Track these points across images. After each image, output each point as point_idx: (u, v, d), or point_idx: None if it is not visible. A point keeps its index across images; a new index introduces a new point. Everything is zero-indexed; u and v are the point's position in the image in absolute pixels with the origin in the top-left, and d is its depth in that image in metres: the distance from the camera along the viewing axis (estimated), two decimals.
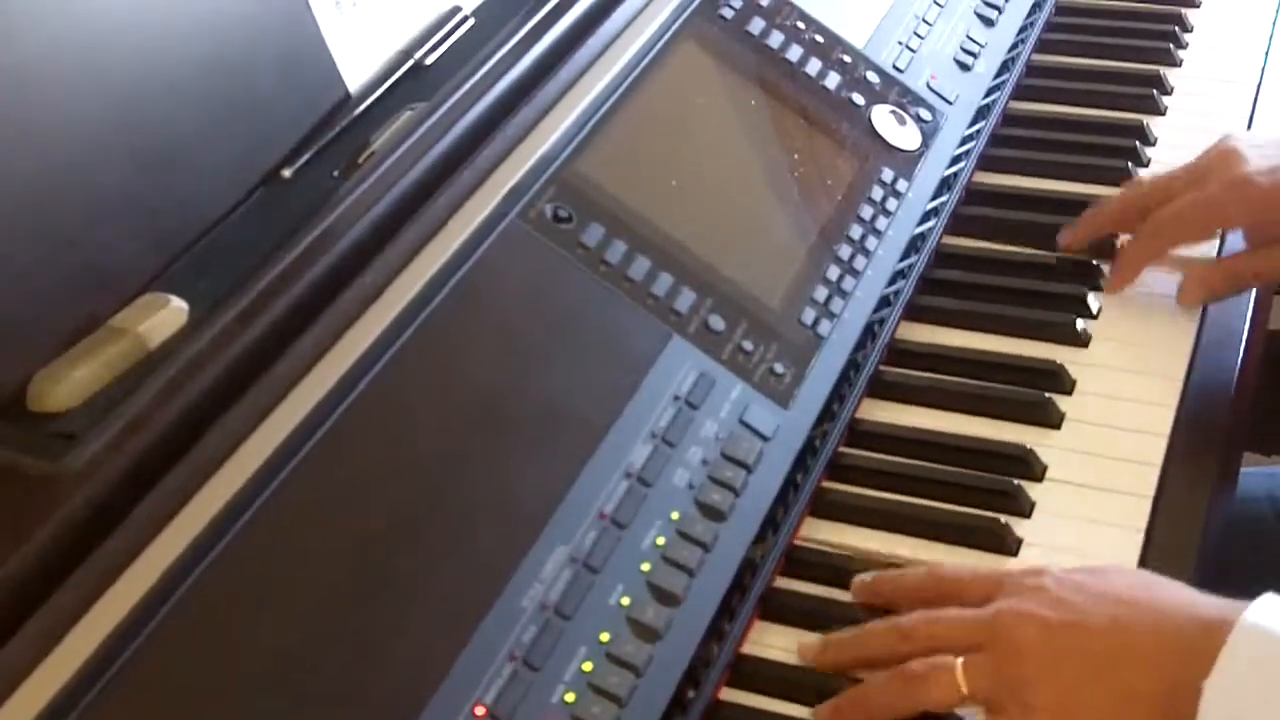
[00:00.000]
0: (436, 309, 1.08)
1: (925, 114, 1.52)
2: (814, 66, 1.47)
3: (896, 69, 1.55)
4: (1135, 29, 1.82)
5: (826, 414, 1.24)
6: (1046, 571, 1.07)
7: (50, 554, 0.88)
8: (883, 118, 1.48)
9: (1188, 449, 1.26)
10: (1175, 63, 1.76)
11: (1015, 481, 1.22)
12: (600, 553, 1.04)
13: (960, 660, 1.04)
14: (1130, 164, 1.57)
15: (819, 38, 1.50)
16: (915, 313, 1.40)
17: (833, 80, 1.47)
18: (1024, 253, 1.48)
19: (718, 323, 1.21)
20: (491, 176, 1.18)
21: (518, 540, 1.02)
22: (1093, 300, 1.40)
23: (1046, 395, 1.30)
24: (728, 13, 1.44)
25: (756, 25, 1.45)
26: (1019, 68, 1.70)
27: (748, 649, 1.11)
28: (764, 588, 1.13)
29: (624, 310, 1.17)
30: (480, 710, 0.94)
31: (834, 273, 1.31)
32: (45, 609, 0.86)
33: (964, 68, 1.62)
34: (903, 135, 1.48)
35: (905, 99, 1.52)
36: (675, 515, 1.09)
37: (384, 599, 0.95)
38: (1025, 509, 1.20)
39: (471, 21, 1.35)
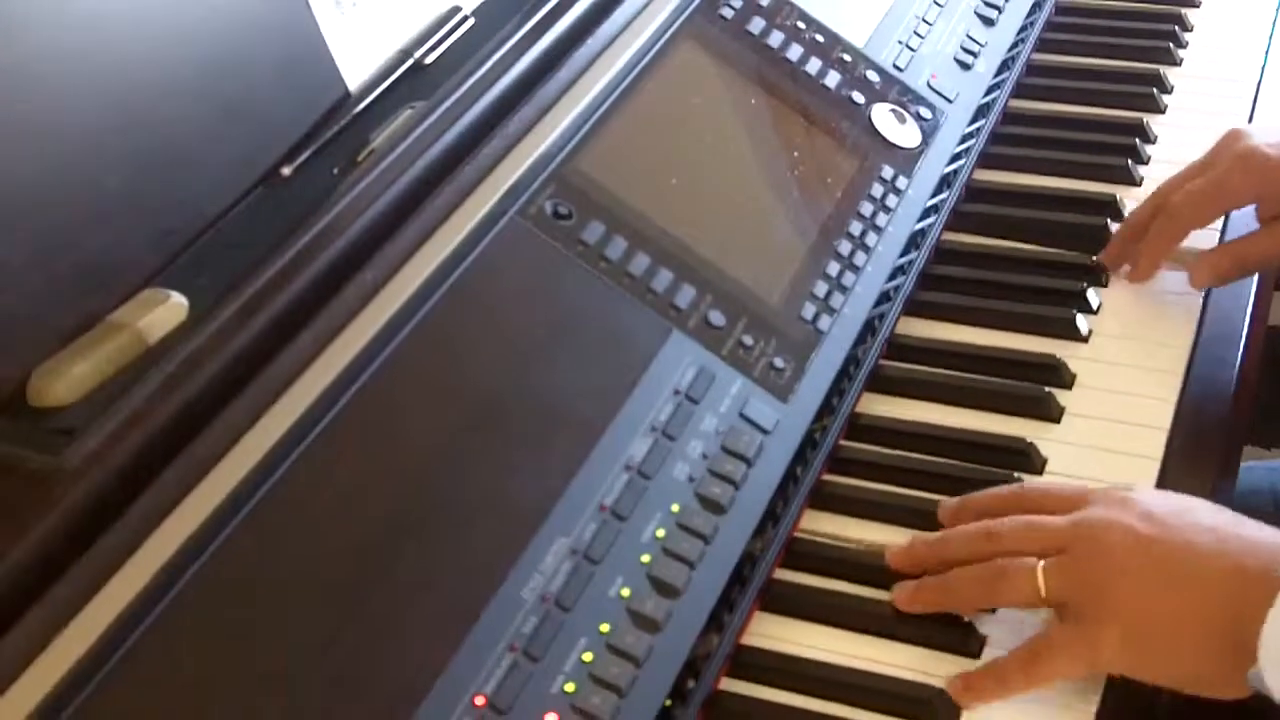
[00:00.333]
0: (437, 305, 1.08)
1: (925, 112, 1.52)
2: (814, 66, 1.47)
3: (896, 68, 1.55)
4: (1135, 29, 1.82)
5: (826, 408, 1.24)
6: (1134, 488, 1.11)
7: (49, 548, 0.88)
8: (883, 116, 1.48)
9: (1188, 443, 1.26)
10: (1175, 62, 1.77)
11: (1016, 474, 1.22)
12: (600, 544, 1.04)
13: (1041, 563, 1.06)
14: (1130, 162, 1.58)
15: (819, 37, 1.50)
16: (915, 308, 1.40)
17: (833, 79, 1.47)
18: (1024, 248, 1.48)
19: (718, 318, 1.21)
20: (491, 174, 1.19)
21: (518, 532, 1.02)
22: (1093, 295, 1.40)
23: (1046, 389, 1.30)
24: (728, 12, 1.44)
25: (756, 25, 1.45)
26: (1019, 67, 1.71)
27: (748, 640, 1.11)
28: (764, 579, 1.13)
29: (624, 306, 1.18)
30: (480, 700, 0.94)
31: (834, 268, 1.32)
32: (44, 602, 0.86)
33: (964, 67, 1.63)
34: (903, 133, 1.48)
35: (905, 98, 1.52)
36: (675, 508, 1.09)
37: (384, 591, 0.95)
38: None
39: (471, 21, 1.35)
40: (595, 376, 1.13)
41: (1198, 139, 1.54)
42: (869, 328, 1.32)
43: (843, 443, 1.26)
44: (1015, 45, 1.72)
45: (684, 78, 1.37)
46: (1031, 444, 1.24)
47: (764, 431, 1.17)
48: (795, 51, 1.46)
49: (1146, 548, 1.05)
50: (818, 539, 1.19)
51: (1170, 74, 1.74)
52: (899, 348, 1.36)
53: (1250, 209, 1.38)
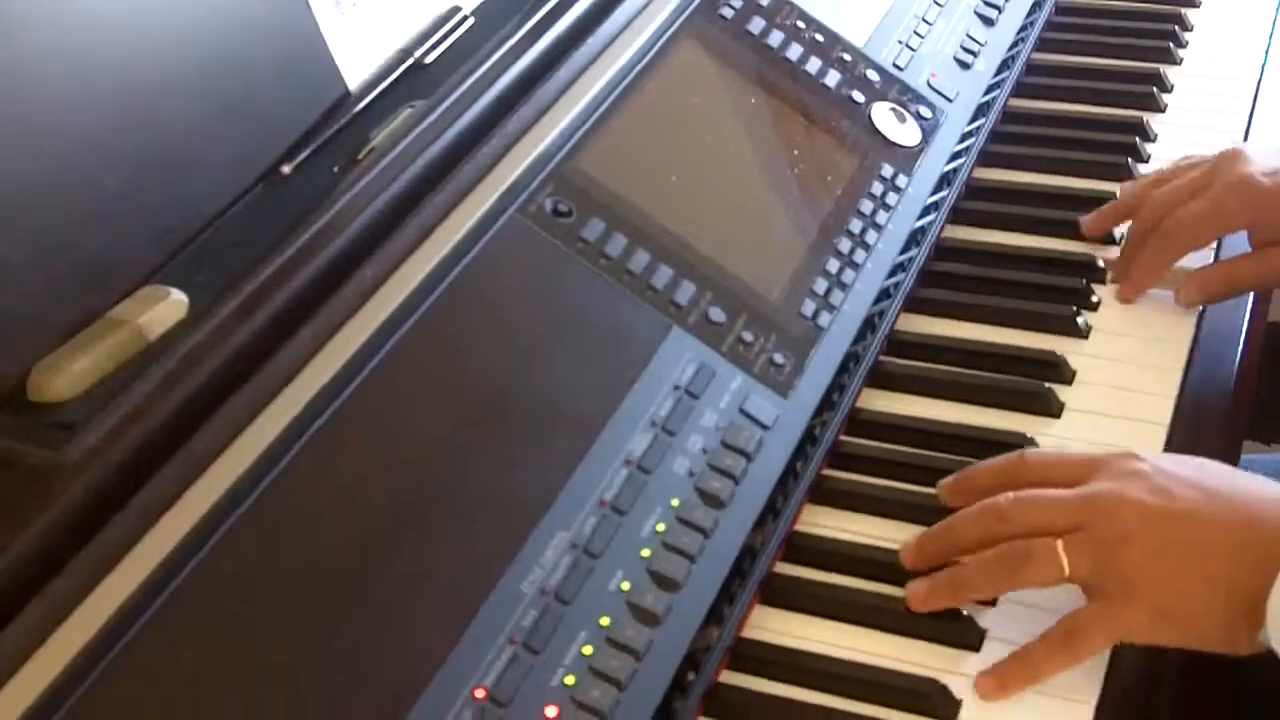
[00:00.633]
0: (437, 302, 1.09)
1: (925, 111, 1.53)
2: (814, 65, 1.47)
3: (896, 67, 1.55)
4: (1135, 28, 1.83)
5: (826, 403, 1.24)
6: (1140, 457, 1.11)
7: (49, 542, 0.88)
8: (883, 115, 1.49)
9: (1187, 439, 1.27)
10: (1175, 61, 1.77)
11: None
12: (600, 539, 1.04)
13: (1060, 541, 1.07)
14: (1130, 160, 1.58)
15: (819, 37, 1.50)
16: (915, 304, 1.41)
17: (833, 78, 1.48)
18: (1024, 246, 1.48)
19: (718, 314, 1.21)
20: (492, 172, 1.19)
21: (518, 527, 1.02)
22: (1093, 292, 1.40)
23: (1046, 385, 1.30)
24: (728, 12, 1.44)
25: (756, 24, 1.46)
26: (1019, 66, 1.71)
27: (748, 633, 1.11)
28: (764, 573, 1.13)
29: (624, 303, 1.18)
30: (480, 693, 0.94)
31: (834, 265, 1.32)
32: (43, 596, 0.86)
33: (964, 66, 1.63)
34: (903, 132, 1.49)
35: (905, 97, 1.53)
36: (675, 502, 1.09)
37: (384, 585, 0.95)
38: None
39: (471, 21, 1.36)
40: (595, 373, 1.13)
41: (1198, 138, 1.56)
42: (869, 324, 1.32)
43: (843, 438, 1.26)
44: (1015, 44, 1.72)
45: (684, 77, 1.37)
46: (1032, 440, 1.25)
47: (764, 427, 1.17)
48: (795, 51, 1.46)
49: (1158, 520, 1.06)
50: (817, 533, 1.19)
51: (1170, 73, 1.74)
52: (899, 344, 1.36)
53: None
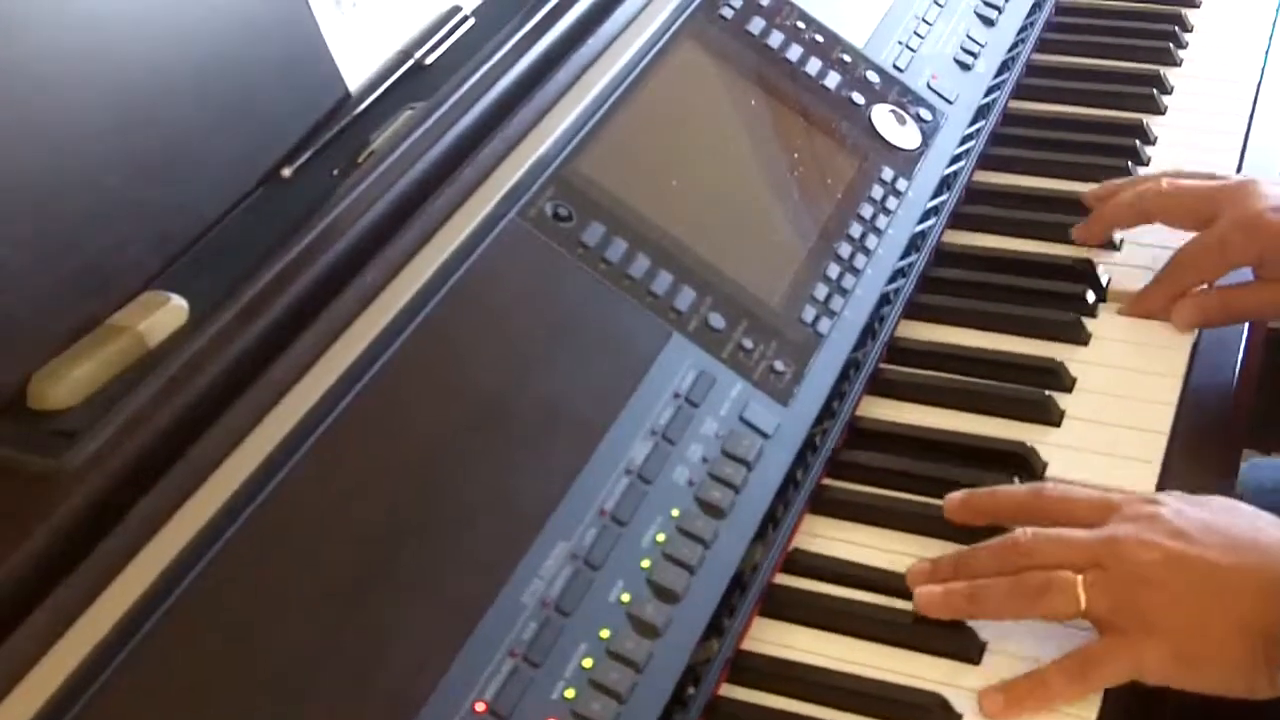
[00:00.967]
0: (436, 307, 1.08)
1: (925, 113, 1.52)
2: (814, 66, 1.47)
3: (896, 68, 1.55)
4: (1135, 29, 1.83)
5: (826, 412, 1.24)
6: (1160, 500, 1.12)
7: (50, 551, 0.88)
8: (883, 117, 1.48)
9: (1188, 447, 1.27)
10: (1175, 62, 1.77)
11: (1016, 479, 1.22)
12: (601, 550, 1.04)
13: (1080, 577, 1.07)
14: (1130, 163, 1.58)
15: (819, 37, 1.50)
16: (916, 311, 1.40)
17: (833, 80, 1.47)
18: (1024, 251, 1.48)
19: (718, 321, 1.21)
20: (491, 175, 1.18)
21: (518, 537, 1.02)
22: (1093, 298, 1.40)
23: (1047, 393, 1.30)
24: (728, 12, 1.44)
25: (756, 25, 1.45)
26: (1019, 67, 1.71)
27: (748, 645, 1.11)
28: (764, 584, 1.13)
29: (624, 308, 1.18)
30: (480, 706, 0.94)
31: (834, 271, 1.32)
32: (45, 606, 0.86)
33: (964, 67, 1.63)
34: (903, 134, 1.48)
35: (905, 98, 1.52)
36: (675, 512, 1.09)
37: (384, 596, 0.95)
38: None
39: (471, 21, 1.35)
40: (596, 379, 1.13)
41: (1198, 140, 1.55)
42: (869, 331, 1.32)
43: (842, 447, 1.26)
44: (1015, 45, 1.72)
45: (684, 78, 1.37)
46: (1031, 448, 1.24)
47: (764, 435, 1.17)
48: (795, 52, 1.46)
49: (1179, 566, 1.06)
50: (818, 544, 1.19)
51: (1170, 75, 1.74)
52: (899, 351, 1.36)
53: None
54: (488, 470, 1.04)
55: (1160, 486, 1.22)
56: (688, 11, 1.41)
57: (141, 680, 0.86)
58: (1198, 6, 1.87)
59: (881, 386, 1.33)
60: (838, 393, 1.26)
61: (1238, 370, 1.35)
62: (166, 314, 1.03)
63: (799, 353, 1.24)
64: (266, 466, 0.96)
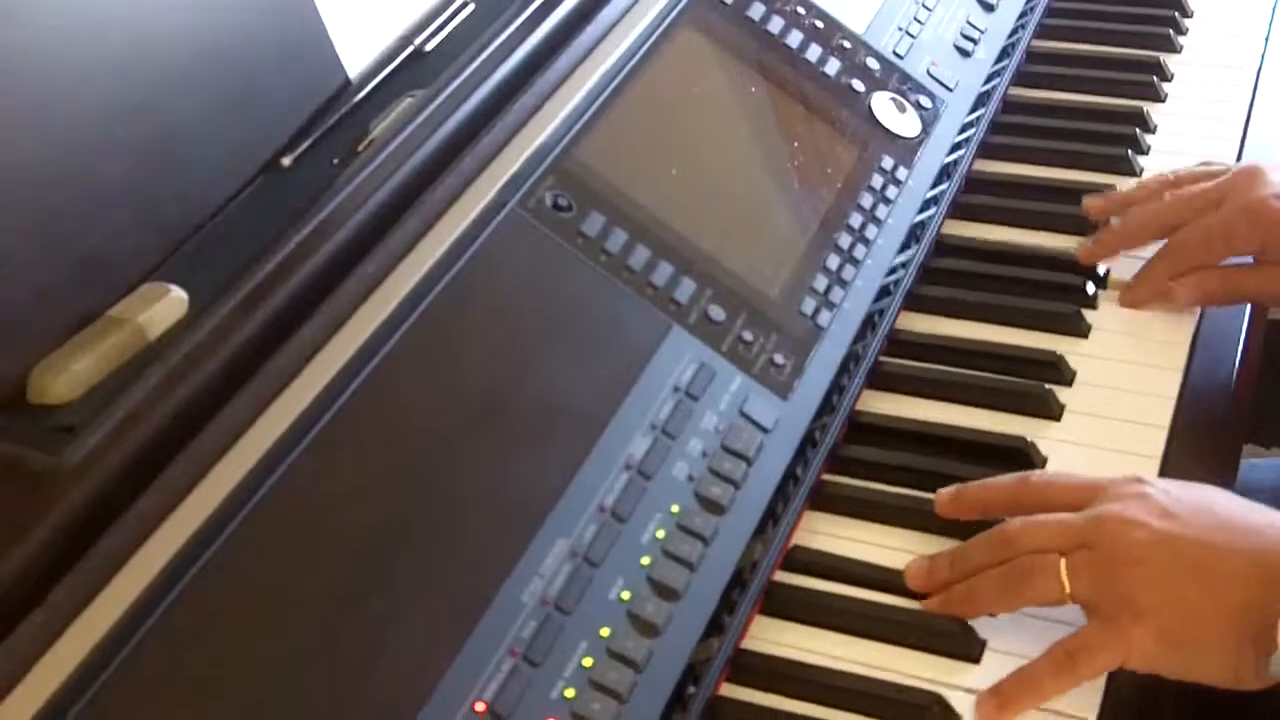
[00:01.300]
0: (436, 298, 1.08)
1: (925, 101, 1.52)
2: (814, 53, 1.46)
3: (896, 55, 1.54)
4: (1135, 15, 1.82)
5: (826, 405, 1.24)
6: (1145, 481, 1.11)
7: (50, 547, 0.88)
8: (883, 105, 1.48)
9: (1187, 441, 1.27)
10: (1175, 49, 1.76)
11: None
12: (600, 546, 1.04)
13: (1064, 559, 1.07)
14: (1130, 151, 1.57)
15: (819, 23, 1.49)
16: (915, 303, 1.40)
17: (832, 67, 1.47)
18: (1025, 243, 1.48)
19: (718, 313, 1.21)
20: (491, 165, 1.18)
21: (518, 534, 1.02)
22: (1093, 291, 1.40)
23: (1046, 386, 1.30)
24: None
25: (756, 10, 1.45)
26: (1019, 54, 1.70)
27: (748, 644, 1.11)
28: (764, 582, 1.13)
29: (624, 300, 1.17)
30: (480, 706, 0.94)
31: (834, 262, 1.31)
32: (46, 603, 0.85)
33: (964, 54, 1.62)
34: (903, 122, 1.48)
35: (905, 86, 1.52)
36: (675, 508, 1.09)
37: (384, 594, 0.95)
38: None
39: (471, 8, 1.34)
40: (595, 372, 1.13)
41: (1198, 127, 1.55)
42: (869, 323, 1.31)
43: (842, 442, 1.26)
44: (1015, 31, 1.71)
45: (684, 65, 1.36)
46: (1031, 443, 1.24)
47: (764, 430, 1.17)
48: (795, 38, 1.45)
49: (1166, 545, 1.06)
50: (818, 540, 1.19)
51: (1170, 61, 1.74)
52: (899, 343, 1.36)
53: None
54: (487, 465, 1.04)
55: None
56: None
57: (141, 679, 0.85)
58: None
59: (881, 380, 1.32)
60: (838, 386, 1.26)
61: (1238, 364, 1.35)
62: (167, 306, 1.02)
63: (799, 345, 1.24)
64: (267, 461, 0.95)
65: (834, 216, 1.35)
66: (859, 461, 1.25)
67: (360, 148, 1.18)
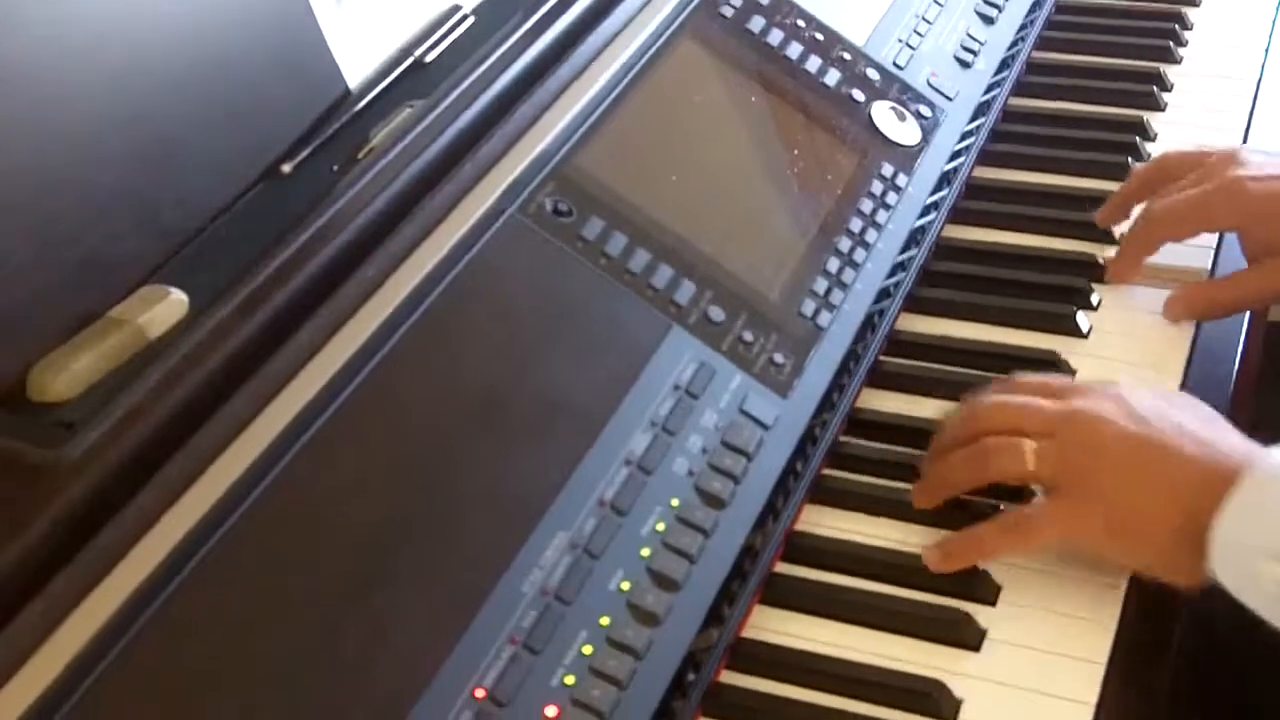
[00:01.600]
0: (437, 299, 1.08)
1: (925, 110, 1.53)
2: (814, 64, 1.47)
3: (897, 66, 1.55)
4: (1136, 27, 1.83)
5: (826, 403, 1.24)
6: (1122, 384, 1.16)
7: (48, 542, 0.88)
8: (883, 114, 1.49)
9: None
10: (1176, 60, 1.77)
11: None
12: (600, 539, 1.04)
13: (1032, 443, 1.14)
14: (1130, 159, 1.58)
15: (819, 35, 1.50)
16: (915, 304, 1.41)
17: (833, 77, 1.47)
18: (1024, 245, 1.48)
19: (718, 314, 1.21)
20: (491, 171, 1.19)
21: (517, 528, 1.02)
22: (1092, 292, 1.40)
23: None
24: (728, 10, 1.44)
25: (757, 23, 1.45)
26: (1019, 65, 1.71)
27: (748, 633, 1.11)
28: (764, 573, 1.13)
29: (624, 302, 1.18)
30: (480, 693, 0.94)
31: (834, 265, 1.32)
32: (42, 597, 0.85)
33: (964, 65, 1.63)
34: (903, 131, 1.49)
35: (905, 95, 1.53)
36: (675, 502, 1.09)
37: (385, 585, 0.95)
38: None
39: (471, 19, 1.35)
40: (595, 372, 1.13)
41: (1198, 137, 1.55)
42: (869, 324, 1.32)
43: (842, 438, 1.26)
44: (1015, 43, 1.72)
45: (684, 75, 1.37)
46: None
47: (764, 427, 1.17)
48: (795, 50, 1.46)
49: (1130, 443, 1.11)
50: (818, 532, 1.19)
51: (1170, 72, 1.74)
52: (898, 344, 1.36)
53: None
54: (487, 463, 1.04)
55: None
56: (688, 9, 1.41)
57: (139, 672, 0.85)
58: (1198, 4, 1.87)
59: (881, 379, 1.33)
60: (837, 385, 1.26)
61: (1236, 364, 1.35)
62: (167, 307, 1.03)
63: (799, 345, 1.25)
64: (266, 458, 0.96)
65: (834, 221, 1.36)
66: (859, 457, 1.25)
67: (360, 155, 1.19)
